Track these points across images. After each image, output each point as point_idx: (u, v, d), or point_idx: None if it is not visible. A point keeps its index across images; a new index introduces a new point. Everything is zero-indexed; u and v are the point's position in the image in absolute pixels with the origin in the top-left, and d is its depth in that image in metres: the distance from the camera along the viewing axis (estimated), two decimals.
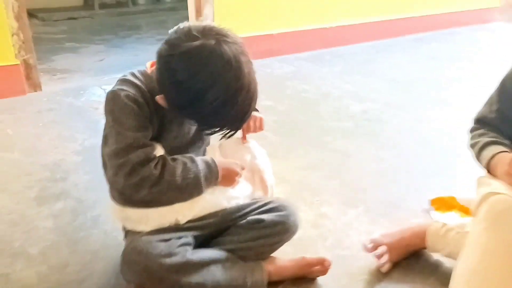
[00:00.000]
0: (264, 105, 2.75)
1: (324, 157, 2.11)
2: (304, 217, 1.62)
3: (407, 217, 1.62)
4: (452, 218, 1.56)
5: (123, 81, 1.15)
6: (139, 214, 1.21)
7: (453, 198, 1.67)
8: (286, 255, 1.34)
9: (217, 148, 1.39)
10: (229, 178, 1.25)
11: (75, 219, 1.65)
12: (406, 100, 2.87)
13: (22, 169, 2.01)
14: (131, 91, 1.12)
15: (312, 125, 2.50)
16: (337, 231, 1.56)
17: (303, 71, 3.54)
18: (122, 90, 1.12)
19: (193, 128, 1.28)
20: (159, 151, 1.17)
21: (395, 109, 2.72)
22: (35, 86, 3.03)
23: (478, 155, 1.24)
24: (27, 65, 2.97)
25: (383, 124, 2.50)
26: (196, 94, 1.03)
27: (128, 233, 1.27)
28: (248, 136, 1.39)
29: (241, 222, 1.26)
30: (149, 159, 1.11)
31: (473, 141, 1.28)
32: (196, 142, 1.31)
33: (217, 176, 1.22)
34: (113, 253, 1.44)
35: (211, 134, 1.17)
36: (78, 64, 3.71)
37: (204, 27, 1.05)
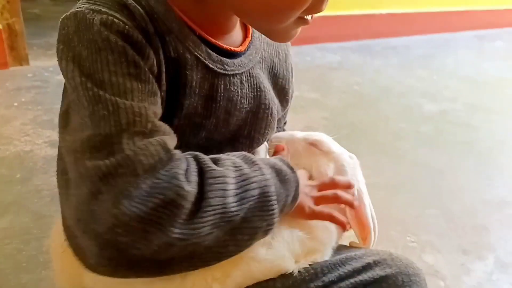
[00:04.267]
0: (308, 97, 2.12)
1: (406, 173, 1.46)
2: None
3: None
4: None
5: None
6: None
7: None
8: None
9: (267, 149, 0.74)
10: (304, 202, 0.60)
11: (22, 248, 1.02)
12: (493, 101, 2.22)
13: None
14: (115, 14, 0.48)
15: (378, 126, 1.85)
16: None
17: (351, 61, 2.90)
18: (97, 12, 0.47)
19: (241, 103, 0.60)
20: None
21: (483, 111, 2.06)
22: (21, 59, 2.42)
23: None
24: (11, 31, 2.35)
25: (474, 131, 1.84)
26: None
27: None
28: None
29: None
30: (170, 156, 0.46)
31: None
32: (240, 138, 0.64)
33: (297, 192, 0.56)
34: None
35: None
36: None
37: None
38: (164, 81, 0.51)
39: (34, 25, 3.11)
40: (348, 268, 0.64)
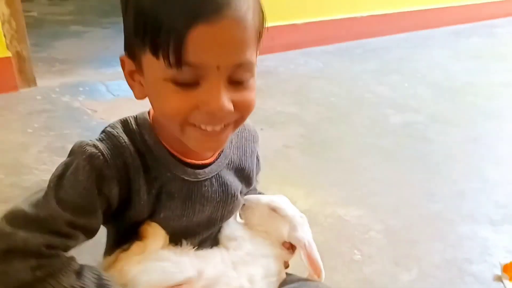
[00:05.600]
0: (288, 112, 2.39)
1: (362, 189, 1.73)
2: (341, 280, 1.27)
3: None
4: None
5: (108, 135, 0.72)
6: None
7: None
8: None
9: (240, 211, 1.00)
10: None
11: None
12: (452, 112, 2.47)
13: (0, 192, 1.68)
14: (106, 154, 0.69)
15: (346, 142, 2.12)
16: None
17: (331, 68, 3.14)
18: (96, 149, 0.69)
19: (211, 197, 0.81)
20: (159, 235, 0.79)
21: (442, 123, 2.33)
22: (29, 81, 2.68)
23: None
24: (19, 58, 2.61)
25: (429, 144, 2.11)
26: None
27: None
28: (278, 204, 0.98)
29: None
30: (39, 252, 0.65)
31: None
32: (214, 217, 0.84)
33: None
34: None
35: None
36: (81, 53, 3.35)
37: None
38: (145, 196, 0.72)
39: (34, 33, 3.30)
40: None
